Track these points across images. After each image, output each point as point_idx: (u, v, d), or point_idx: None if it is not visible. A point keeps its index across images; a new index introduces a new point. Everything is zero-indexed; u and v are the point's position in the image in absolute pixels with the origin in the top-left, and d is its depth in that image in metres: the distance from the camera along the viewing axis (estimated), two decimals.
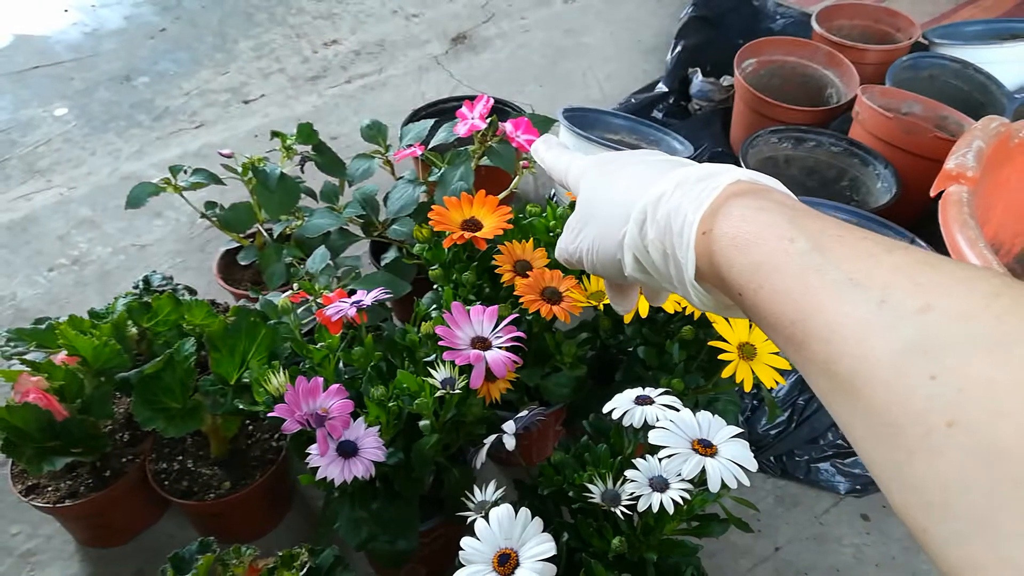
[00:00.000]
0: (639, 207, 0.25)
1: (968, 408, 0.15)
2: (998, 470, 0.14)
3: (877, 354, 0.17)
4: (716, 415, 0.44)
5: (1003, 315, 0.16)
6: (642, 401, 0.45)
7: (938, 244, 0.71)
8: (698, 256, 0.23)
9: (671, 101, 1.22)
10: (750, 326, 0.51)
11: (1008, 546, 0.14)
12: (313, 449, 0.46)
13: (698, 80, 1.19)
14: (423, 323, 0.53)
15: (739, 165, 1.00)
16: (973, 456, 0.15)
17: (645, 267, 0.26)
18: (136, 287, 0.71)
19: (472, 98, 0.71)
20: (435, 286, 0.61)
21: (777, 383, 0.49)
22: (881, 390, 0.17)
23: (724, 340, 0.49)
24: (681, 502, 0.41)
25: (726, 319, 0.51)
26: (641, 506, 0.41)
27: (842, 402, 0.18)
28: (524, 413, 0.49)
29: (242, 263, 0.79)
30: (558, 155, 0.33)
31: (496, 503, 0.44)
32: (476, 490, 0.45)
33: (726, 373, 0.48)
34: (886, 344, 0.17)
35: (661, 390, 0.46)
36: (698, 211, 0.23)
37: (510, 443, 0.46)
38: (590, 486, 0.45)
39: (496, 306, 0.49)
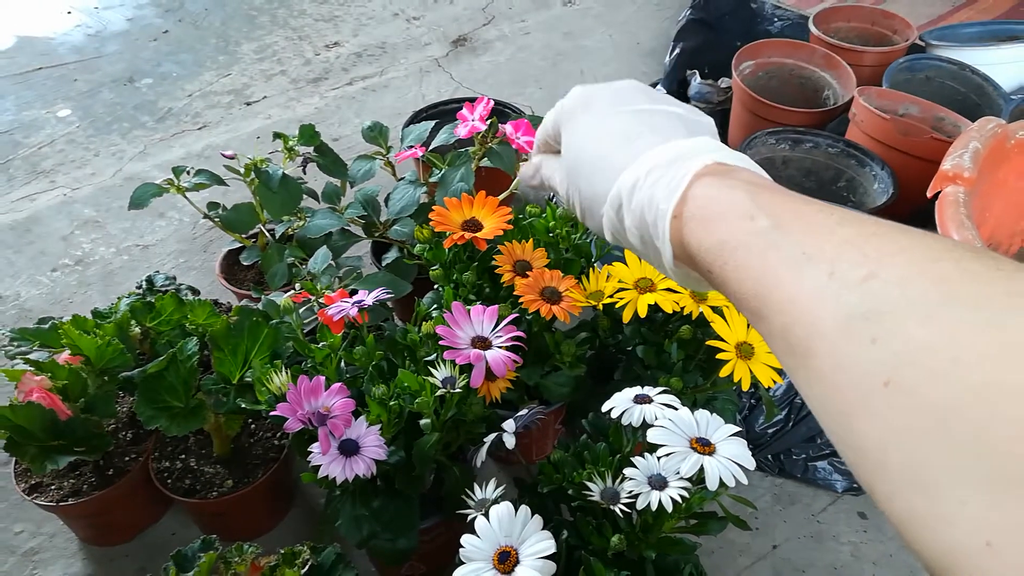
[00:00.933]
0: (614, 193, 0.26)
1: (903, 369, 0.16)
2: (929, 426, 0.15)
3: (826, 323, 0.18)
4: (714, 414, 0.44)
5: (941, 279, 0.16)
6: (641, 400, 0.45)
7: None
8: (672, 240, 0.24)
9: None
10: (748, 325, 0.51)
11: (940, 500, 0.15)
12: (315, 447, 0.46)
13: (696, 82, 1.20)
14: (424, 323, 0.54)
15: None
16: (906, 414, 0.15)
17: (625, 246, 0.27)
18: (139, 287, 0.72)
19: (472, 100, 0.71)
20: (436, 286, 0.61)
21: (775, 382, 0.49)
22: (829, 356, 0.18)
23: (722, 339, 0.50)
24: (679, 500, 0.41)
25: (723, 317, 0.51)
26: (640, 504, 0.41)
27: (800, 372, 0.19)
28: (524, 412, 0.50)
29: (245, 263, 0.80)
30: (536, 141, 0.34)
31: (496, 501, 0.44)
32: (476, 488, 0.46)
33: (724, 372, 0.49)
34: (833, 312, 0.18)
35: (660, 389, 0.47)
36: (669, 201, 0.23)
37: (510, 442, 0.47)
38: (589, 484, 0.45)
39: (496, 306, 0.50)
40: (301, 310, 0.58)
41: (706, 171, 0.24)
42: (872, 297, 0.17)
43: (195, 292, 0.74)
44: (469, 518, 0.43)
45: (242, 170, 0.75)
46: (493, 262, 0.57)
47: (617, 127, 0.27)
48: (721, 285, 0.22)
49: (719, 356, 0.49)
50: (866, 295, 0.17)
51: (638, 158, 0.25)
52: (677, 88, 1.24)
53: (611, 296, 0.54)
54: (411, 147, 0.74)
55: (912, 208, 0.89)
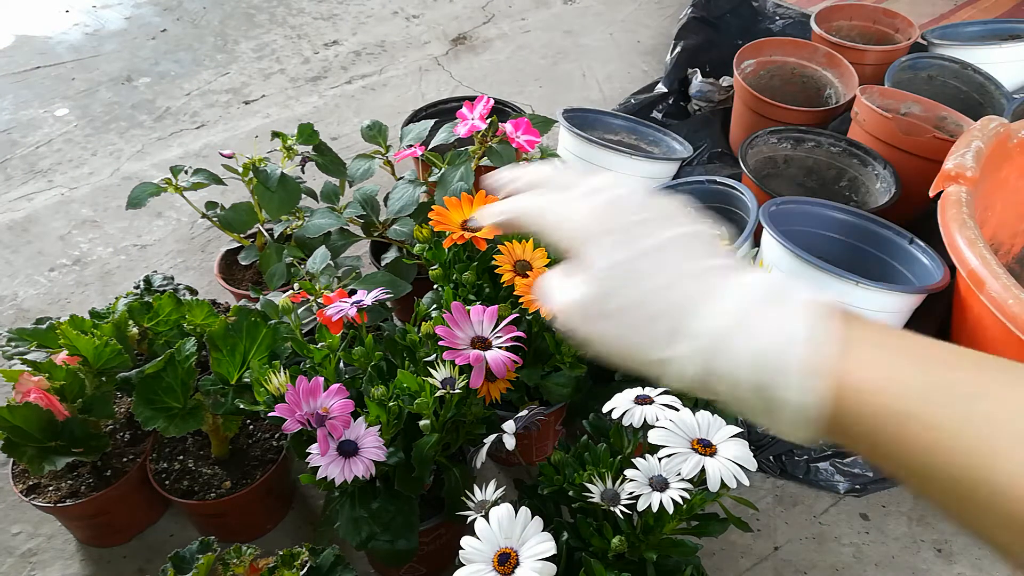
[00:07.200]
0: (694, 348, 0.23)
1: None
2: None
3: None
4: (715, 414, 0.44)
5: None
6: (641, 401, 0.45)
7: (937, 244, 0.72)
8: (812, 397, 0.21)
9: (670, 102, 1.22)
10: None
11: None
12: (314, 449, 0.46)
13: (697, 81, 1.19)
14: (423, 323, 0.53)
15: (738, 165, 0.99)
16: None
17: (702, 393, 0.24)
18: (137, 287, 0.72)
19: (472, 99, 0.71)
20: (435, 286, 0.61)
21: None
22: None
23: None
24: (681, 502, 0.41)
25: None
26: (641, 505, 0.41)
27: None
28: (524, 413, 0.50)
29: (243, 263, 0.80)
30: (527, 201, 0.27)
31: (496, 502, 0.44)
32: (476, 489, 0.46)
33: None
34: None
35: (660, 390, 0.46)
36: (816, 357, 0.21)
37: (510, 443, 0.47)
38: (590, 486, 0.45)
39: (496, 306, 0.50)
40: (300, 310, 0.58)
41: (843, 321, 0.22)
42: None
43: (193, 292, 0.74)
44: (469, 520, 0.43)
45: (240, 169, 0.74)
46: (493, 262, 0.56)
47: (667, 268, 0.24)
48: (884, 456, 0.21)
49: None
50: None
51: (712, 296, 0.23)
52: (678, 87, 1.23)
53: None
54: (410, 146, 0.73)
55: (915, 207, 0.89)
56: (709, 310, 0.23)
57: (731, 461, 0.40)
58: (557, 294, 0.26)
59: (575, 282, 0.25)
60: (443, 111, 1.00)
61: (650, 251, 0.24)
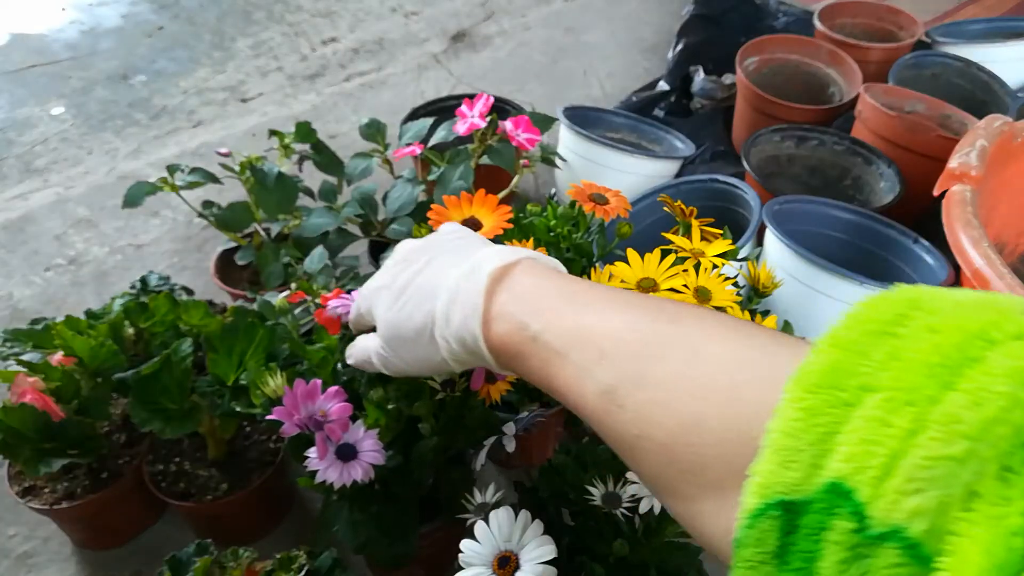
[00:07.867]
0: (441, 336, 0.31)
1: (649, 425, 0.23)
2: (675, 460, 0.22)
3: (588, 399, 0.25)
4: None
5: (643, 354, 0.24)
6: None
7: (942, 243, 0.71)
8: (491, 349, 0.30)
9: (672, 99, 1.21)
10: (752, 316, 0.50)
11: (683, 505, 0.22)
12: (312, 452, 0.45)
13: (700, 78, 1.19)
14: None
15: (741, 163, 0.98)
16: (658, 455, 0.22)
17: (463, 363, 0.32)
18: (133, 287, 0.71)
19: (472, 96, 0.70)
20: None
21: None
22: (598, 423, 0.25)
23: None
24: None
25: None
26: (642, 508, 0.41)
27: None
28: (524, 414, 0.49)
29: (240, 263, 0.79)
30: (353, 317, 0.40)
31: (496, 505, 0.44)
32: (476, 492, 0.45)
33: None
34: (591, 391, 0.25)
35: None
36: (480, 327, 0.29)
37: (510, 445, 0.46)
38: (591, 488, 0.44)
39: None
40: (297, 311, 0.57)
41: (496, 284, 0.30)
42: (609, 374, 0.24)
43: (189, 292, 0.73)
44: (469, 523, 0.43)
45: (237, 168, 0.74)
46: None
47: (412, 297, 0.32)
48: (525, 377, 0.29)
49: None
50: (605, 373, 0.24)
51: (432, 319, 0.31)
52: (680, 84, 1.23)
53: None
54: (409, 144, 0.73)
55: (919, 207, 0.88)
56: (441, 298, 0.30)
57: None
58: (361, 352, 0.37)
59: (374, 337, 0.35)
60: (442, 109, 0.99)
61: (409, 286, 0.32)
